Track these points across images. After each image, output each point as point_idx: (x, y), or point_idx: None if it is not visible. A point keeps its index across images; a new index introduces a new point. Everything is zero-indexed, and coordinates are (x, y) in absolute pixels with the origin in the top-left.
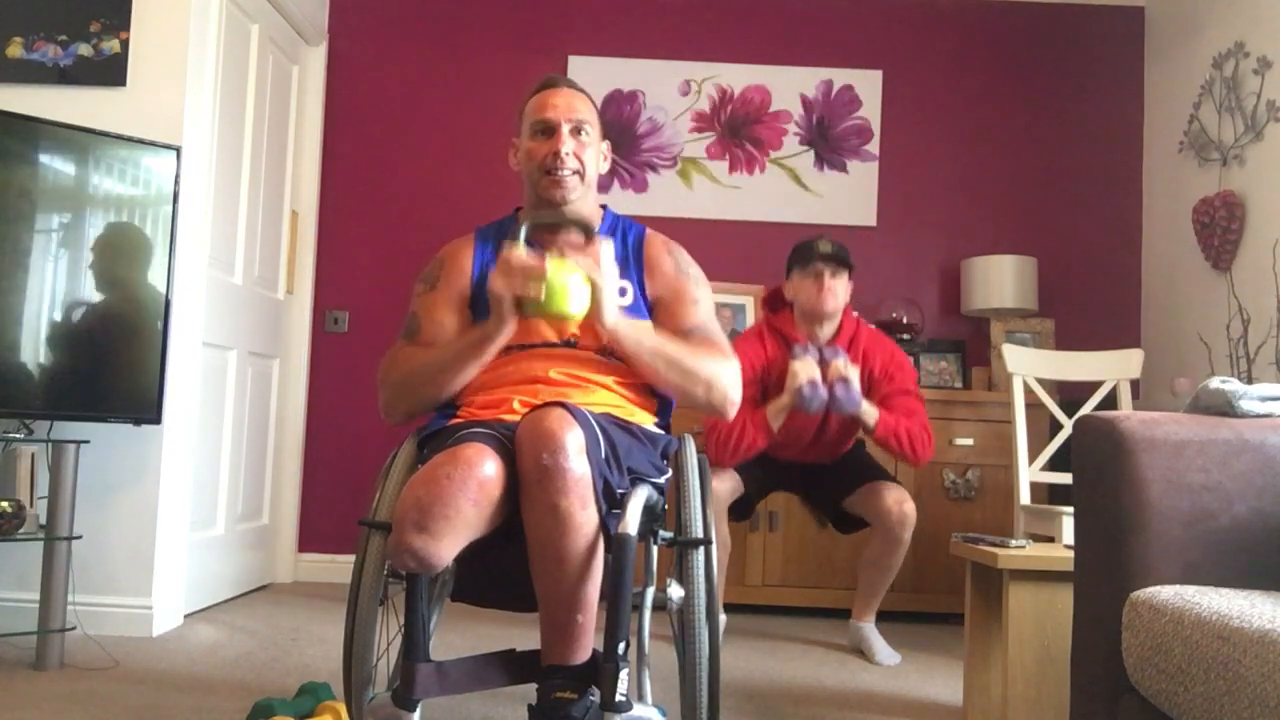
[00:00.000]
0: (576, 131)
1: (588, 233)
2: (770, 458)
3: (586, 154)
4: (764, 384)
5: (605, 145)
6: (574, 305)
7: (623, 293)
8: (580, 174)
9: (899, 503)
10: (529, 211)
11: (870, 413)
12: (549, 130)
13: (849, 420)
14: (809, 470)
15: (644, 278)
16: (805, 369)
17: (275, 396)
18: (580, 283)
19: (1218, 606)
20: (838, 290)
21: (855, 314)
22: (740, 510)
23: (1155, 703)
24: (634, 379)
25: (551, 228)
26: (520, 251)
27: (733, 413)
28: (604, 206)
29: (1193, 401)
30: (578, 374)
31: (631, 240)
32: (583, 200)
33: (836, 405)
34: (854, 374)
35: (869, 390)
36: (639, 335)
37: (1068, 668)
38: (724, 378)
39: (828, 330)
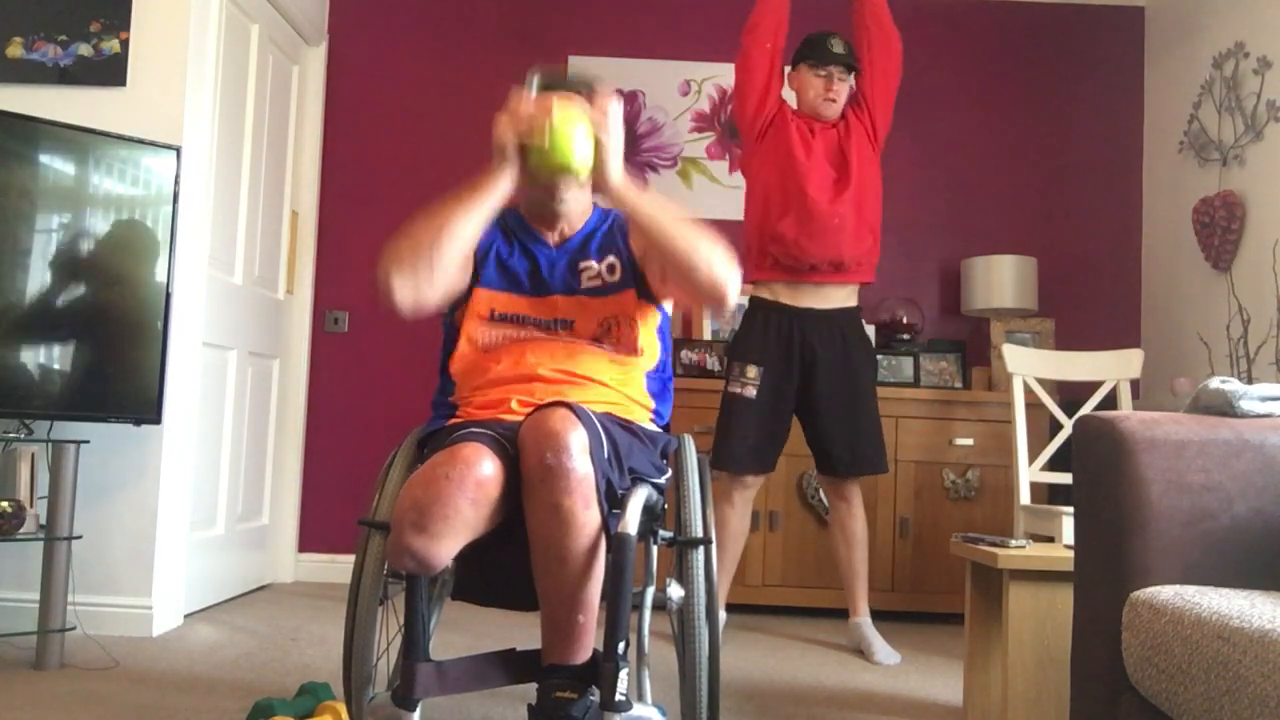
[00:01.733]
0: None
1: (590, 90)
2: (790, 316)
3: None
4: (782, 136)
5: None
6: (577, 157)
7: (611, 269)
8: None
9: (838, 486)
10: (525, 206)
11: None
12: None
13: (864, 170)
14: (818, 400)
15: (630, 244)
16: None
17: (275, 396)
18: (585, 135)
19: (1218, 606)
20: (842, 94)
21: None
22: (764, 459)
23: (1155, 703)
24: (630, 374)
25: (557, 85)
26: (530, 97)
27: (730, 298)
28: (595, 203)
29: (1193, 401)
30: (574, 371)
31: (617, 220)
32: (577, 202)
33: None
34: None
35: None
36: (643, 195)
37: (1068, 668)
38: (722, 259)
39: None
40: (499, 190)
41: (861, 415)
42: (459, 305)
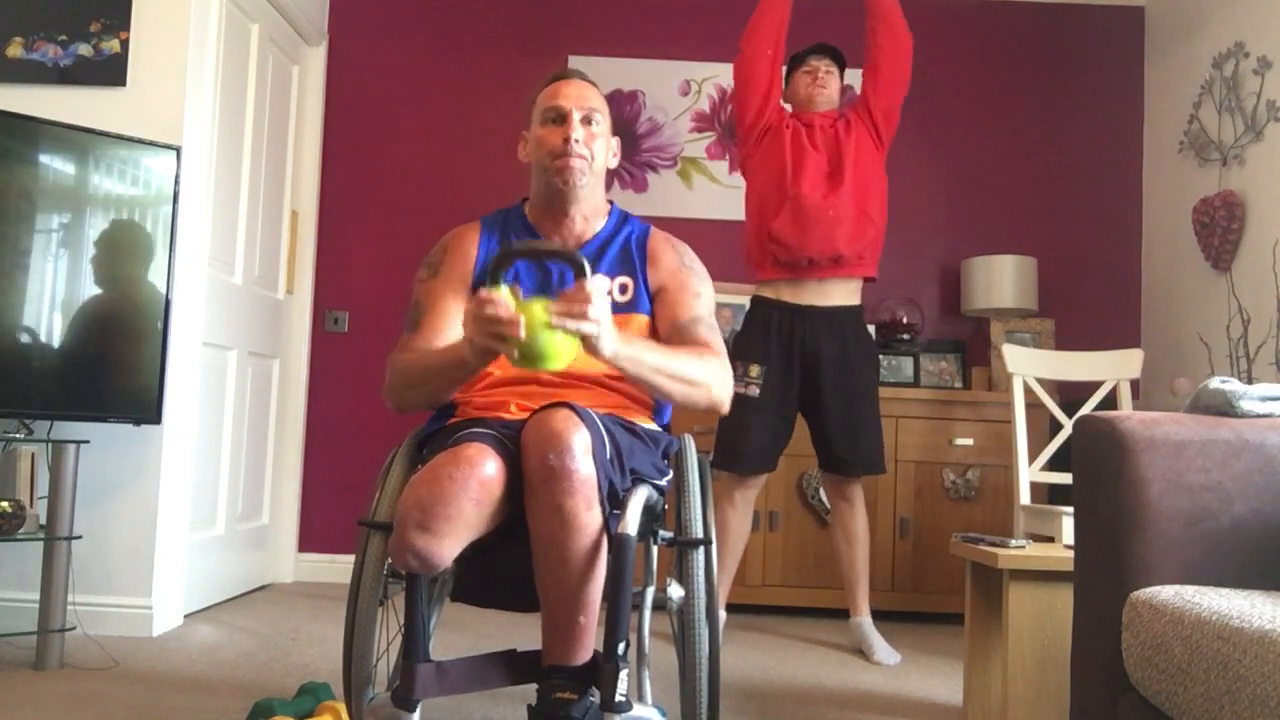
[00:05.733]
0: (587, 120)
1: (578, 269)
2: (792, 312)
3: (596, 144)
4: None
5: (615, 141)
6: (553, 363)
7: (624, 289)
8: (588, 162)
9: (839, 485)
10: (536, 205)
11: None
12: (560, 117)
13: (866, 164)
14: (820, 400)
15: (646, 268)
16: None
17: (275, 396)
18: (562, 337)
19: (1218, 606)
20: (831, 83)
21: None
22: (768, 458)
23: (1155, 703)
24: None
25: (535, 256)
26: (499, 297)
27: (725, 410)
28: (610, 202)
29: (1193, 401)
30: (574, 373)
31: (635, 236)
32: (590, 191)
33: None
34: None
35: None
36: (638, 356)
37: (1068, 668)
38: (719, 382)
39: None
40: (479, 369)
41: (861, 415)
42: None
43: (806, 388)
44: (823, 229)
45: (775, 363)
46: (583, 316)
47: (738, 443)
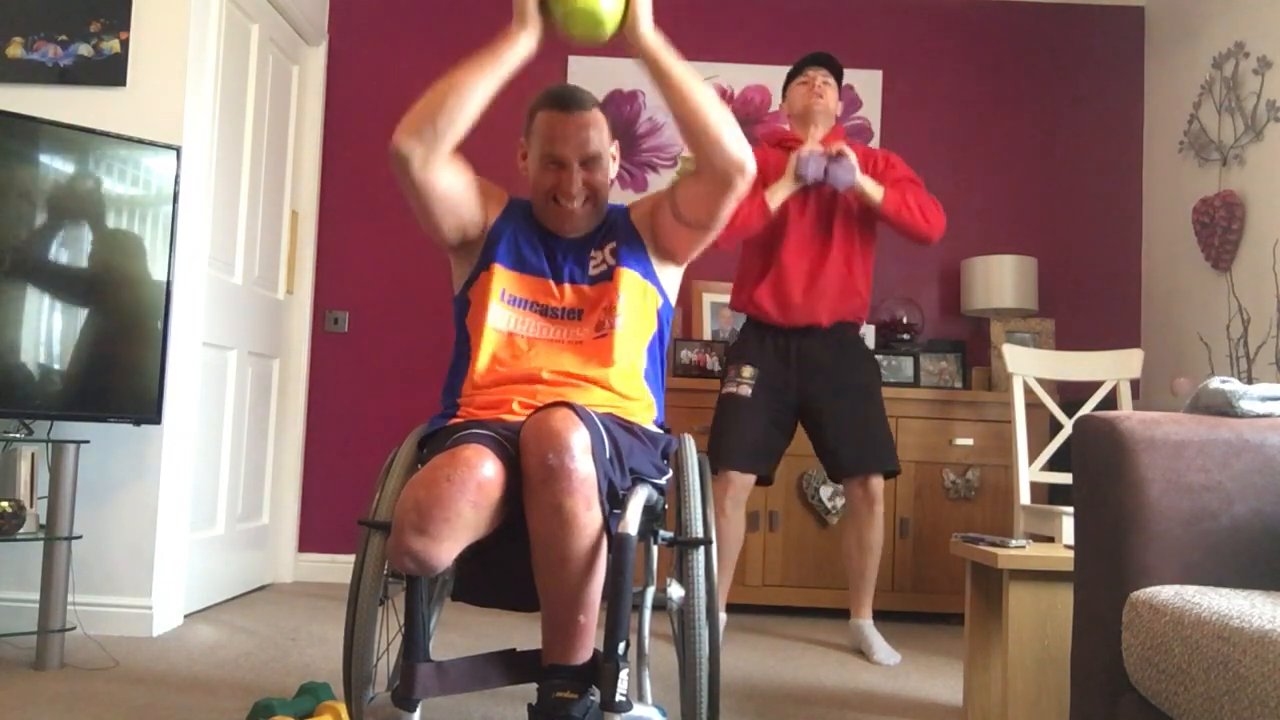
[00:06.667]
0: (587, 162)
1: None
2: (781, 352)
3: (597, 179)
4: (764, 182)
5: (614, 147)
6: (604, 5)
7: (613, 253)
8: (592, 199)
9: (865, 489)
10: (539, 208)
11: (875, 189)
12: (559, 164)
13: (856, 229)
14: (820, 404)
15: (631, 223)
16: (804, 149)
17: (275, 396)
18: None
19: (1218, 606)
20: (828, 93)
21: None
22: (757, 459)
23: (1155, 703)
24: (630, 375)
25: None
26: None
27: (742, 182)
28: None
29: (1193, 401)
30: (575, 372)
31: (619, 218)
32: (589, 223)
33: (833, 176)
34: (852, 156)
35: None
36: (673, 55)
37: (1068, 668)
38: (739, 135)
39: (821, 133)
40: (517, 51)
41: (867, 411)
42: (472, 281)
43: (805, 397)
44: (808, 300)
45: (770, 370)
46: None
47: (724, 436)
